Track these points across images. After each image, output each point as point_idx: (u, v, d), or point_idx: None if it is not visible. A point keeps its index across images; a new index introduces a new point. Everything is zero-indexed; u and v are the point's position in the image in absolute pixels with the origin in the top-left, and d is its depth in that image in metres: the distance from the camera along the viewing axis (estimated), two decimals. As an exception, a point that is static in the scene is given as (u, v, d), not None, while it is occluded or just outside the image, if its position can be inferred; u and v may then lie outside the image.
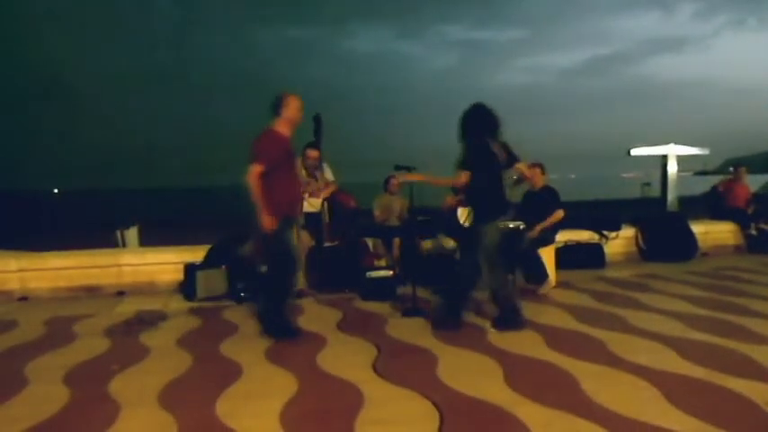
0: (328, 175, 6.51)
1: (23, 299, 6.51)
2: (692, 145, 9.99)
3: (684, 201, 10.74)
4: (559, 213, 6.64)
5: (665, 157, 9.81)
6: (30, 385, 3.78)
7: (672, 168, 9.81)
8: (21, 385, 3.76)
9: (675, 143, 9.89)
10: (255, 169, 4.48)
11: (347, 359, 4.18)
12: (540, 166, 6.82)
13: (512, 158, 4.88)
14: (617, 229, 8.28)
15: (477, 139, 4.68)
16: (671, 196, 9.75)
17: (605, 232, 8.14)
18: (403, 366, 4.02)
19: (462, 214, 7.08)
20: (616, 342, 4.43)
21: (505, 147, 4.81)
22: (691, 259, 8.20)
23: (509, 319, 4.86)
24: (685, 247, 8.37)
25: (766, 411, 3.13)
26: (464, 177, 4.70)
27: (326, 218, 6.42)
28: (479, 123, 4.69)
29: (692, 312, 5.32)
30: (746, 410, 3.17)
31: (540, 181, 6.75)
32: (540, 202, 6.69)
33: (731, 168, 10.26)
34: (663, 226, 8.63)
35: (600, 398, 3.34)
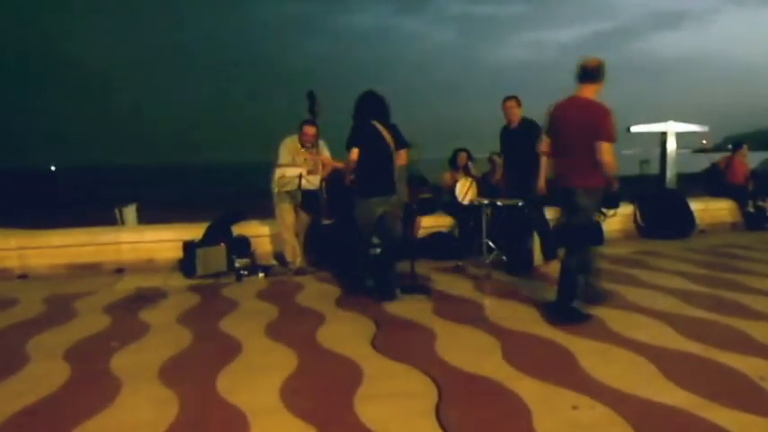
0: (325, 151, 6.49)
1: (23, 277, 6.52)
2: (691, 122, 9.94)
3: (683, 178, 10.74)
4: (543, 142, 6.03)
5: (664, 135, 9.76)
6: (31, 362, 3.81)
7: (671, 146, 9.78)
8: (22, 362, 3.79)
9: (675, 120, 9.84)
10: (610, 148, 4.22)
11: (346, 335, 4.21)
12: (515, 98, 6.35)
13: (401, 141, 5.13)
14: (615, 206, 8.24)
15: (362, 121, 5.04)
16: (670, 173, 9.72)
17: (603, 209, 8.13)
18: (402, 342, 4.05)
19: (460, 191, 7.10)
20: (614, 318, 4.46)
21: (395, 129, 5.11)
22: (689, 236, 8.22)
23: (380, 289, 5.15)
24: (683, 225, 8.38)
25: (760, 386, 3.17)
26: (354, 155, 4.98)
27: (324, 195, 6.41)
28: (367, 108, 5.08)
29: (690, 289, 5.36)
30: (741, 385, 3.21)
31: (516, 115, 6.31)
32: (521, 139, 6.20)
33: (729, 146, 10.23)
34: (661, 203, 8.63)
35: (597, 373, 3.37)
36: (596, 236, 4.64)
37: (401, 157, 5.19)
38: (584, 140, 4.29)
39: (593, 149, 4.25)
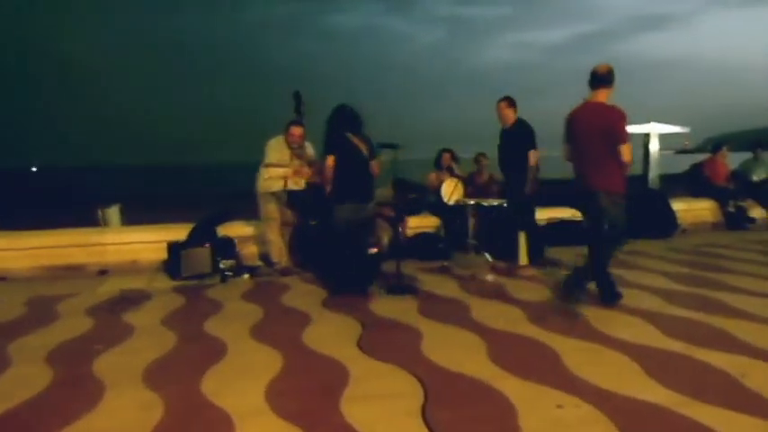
0: (310, 152, 6.47)
1: (2, 279, 6.42)
2: (673, 123, 10.06)
3: (666, 178, 10.86)
4: (535, 153, 6.17)
5: (646, 136, 9.87)
6: (12, 366, 3.75)
7: (653, 147, 9.89)
8: (3, 365, 3.73)
9: (657, 122, 9.95)
10: (630, 148, 4.51)
11: (332, 336, 4.21)
12: (505, 99, 6.36)
13: (373, 151, 5.45)
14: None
15: (336, 132, 5.33)
16: (652, 174, 9.84)
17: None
18: (388, 343, 4.06)
19: (446, 191, 7.12)
20: (598, 317, 4.50)
21: (368, 141, 5.44)
22: (671, 236, 8.32)
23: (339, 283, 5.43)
24: (666, 224, 8.48)
25: (742, 383, 3.21)
26: (330, 161, 5.26)
27: (309, 197, 6.40)
28: (340, 120, 5.36)
29: (673, 288, 5.42)
30: (723, 382, 3.25)
31: (509, 117, 6.35)
32: (512, 140, 6.32)
33: (710, 147, 10.37)
34: (644, 203, 8.73)
35: (582, 372, 3.40)
36: (623, 235, 4.84)
37: (375, 167, 5.46)
38: (602, 144, 4.53)
39: (612, 152, 4.50)
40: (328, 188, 5.42)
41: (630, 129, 9.55)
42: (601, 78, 4.63)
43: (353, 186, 5.33)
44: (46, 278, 6.44)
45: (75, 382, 3.48)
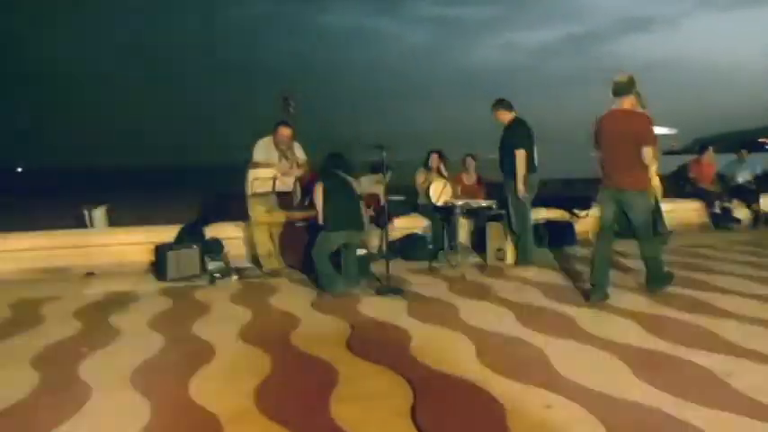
0: (299, 153, 6.46)
1: (-11, 281, 6.35)
2: (660, 125, 10.13)
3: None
4: (520, 153, 6.25)
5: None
6: (-3, 368, 3.71)
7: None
8: (-13, 369, 3.69)
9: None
10: (655, 151, 5.00)
11: (321, 337, 4.20)
12: (497, 102, 6.49)
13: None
14: (587, 207, 8.40)
15: (329, 170, 5.69)
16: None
17: (576, 210, 8.26)
18: (376, 343, 4.06)
19: (435, 192, 7.14)
20: (585, 318, 4.53)
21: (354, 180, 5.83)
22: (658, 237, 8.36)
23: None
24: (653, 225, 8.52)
25: (727, 382, 3.24)
26: (320, 188, 5.54)
27: (297, 197, 6.39)
28: (333, 162, 5.71)
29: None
30: (709, 382, 3.28)
31: (503, 117, 6.45)
32: (505, 140, 6.45)
33: (697, 148, 10.46)
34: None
35: (570, 372, 3.42)
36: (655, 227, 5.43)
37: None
38: (633, 147, 4.88)
39: (638, 154, 4.86)
40: (319, 216, 5.56)
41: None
42: (624, 87, 4.96)
43: (346, 214, 5.55)
44: (31, 280, 6.38)
45: (60, 385, 3.45)
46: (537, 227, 7.66)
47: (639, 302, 4.97)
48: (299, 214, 6.19)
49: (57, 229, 7.24)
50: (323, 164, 5.83)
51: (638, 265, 6.51)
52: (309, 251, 5.68)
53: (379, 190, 7.13)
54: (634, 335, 4.11)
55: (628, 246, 7.38)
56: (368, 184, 7.00)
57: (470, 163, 7.97)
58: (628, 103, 4.98)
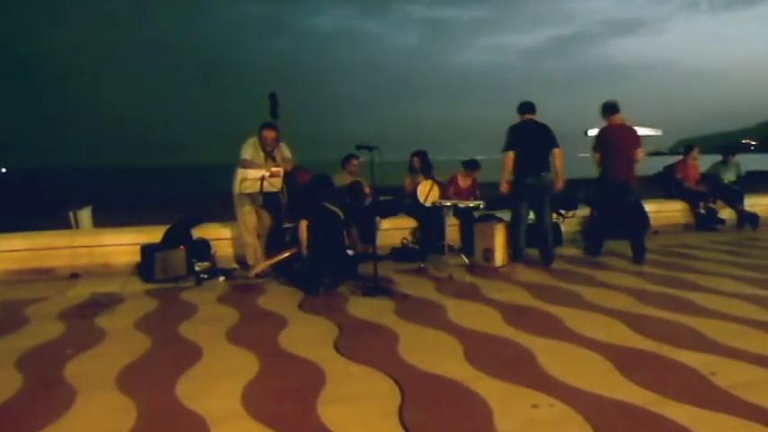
0: (285, 152, 6.44)
1: (-29, 282, 6.27)
2: (646, 126, 10.21)
3: (638, 180, 10.98)
4: (505, 155, 6.52)
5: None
6: (-20, 371, 3.67)
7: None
8: (-30, 371, 3.65)
9: (632, 124, 10.07)
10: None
11: (309, 338, 4.19)
12: (521, 105, 6.77)
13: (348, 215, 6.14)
14: (574, 208, 8.45)
15: (313, 200, 5.93)
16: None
17: (562, 211, 8.30)
18: (364, 344, 4.05)
19: (422, 192, 7.15)
20: (571, 317, 4.56)
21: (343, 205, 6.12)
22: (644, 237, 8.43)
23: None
24: (639, 226, 8.57)
25: (712, 381, 3.28)
26: (304, 225, 5.74)
27: (285, 198, 6.38)
28: (318, 189, 6.01)
29: (644, 288, 5.52)
30: (694, 381, 3.31)
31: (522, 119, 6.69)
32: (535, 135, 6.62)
33: (682, 150, 10.55)
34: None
35: (555, 372, 3.44)
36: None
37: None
38: (631, 150, 6.78)
39: (635, 155, 6.78)
40: (304, 251, 5.71)
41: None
42: (616, 107, 6.91)
43: (329, 252, 5.74)
44: (16, 282, 6.31)
45: (45, 387, 3.41)
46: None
47: (625, 302, 5.01)
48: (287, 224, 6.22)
49: (41, 231, 7.16)
50: (309, 191, 6.01)
51: (623, 265, 6.59)
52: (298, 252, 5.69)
53: (348, 181, 7.16)
54: (620, 334, 4.14)
55: (613, 245, 7.48)
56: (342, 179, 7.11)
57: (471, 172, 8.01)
58: (619, 118, 6.88)
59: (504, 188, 6.60)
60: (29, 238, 6.87)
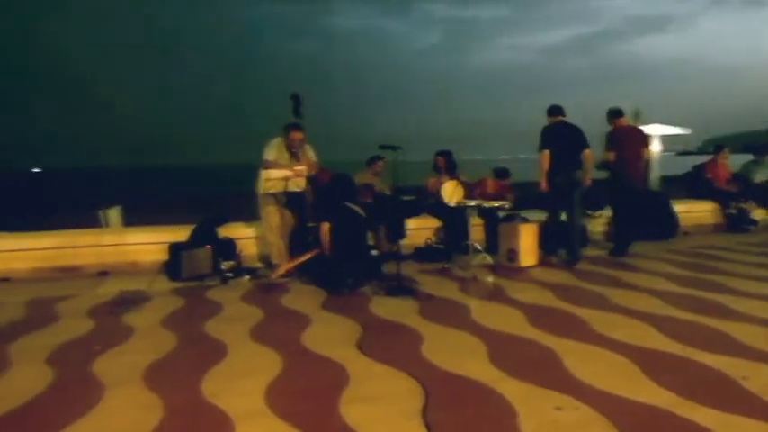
0: (310, 154, 6.47)
1: (5, 280, 6.43)
2: (675, 124, 10.05)
3: (667, 180, 10.84)
4: (540, 156, 6.72)
5: (648, 137, 9.85)
6: (13, 366, 3.76)
7: (655, 148, 9.87)
8: (3, 366, 3.74)
9: (658, 123, 9.93)
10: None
11: (332, 338, 4.21)
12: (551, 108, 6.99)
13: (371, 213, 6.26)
14: (600, 208, 8.35)
15: (334, 201, 5.98)
16: (653, 175, 9.83)
17: (588, 211, 8.21)
18: (387, 344, 4.06)
19: (446, 193, 7.13)
20: (597, 319, 4.50)
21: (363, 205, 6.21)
22: (672, 238, 8.31)
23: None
24: (667, 226, 8.46)
25: (742, 385, 3.21)
26: (326, 227, 5.78)
27: (309, 198, 6.40)
28: (339, 190, 6.06)
29: (672, 290, 5.42)
30: (723, 385, 3.25)
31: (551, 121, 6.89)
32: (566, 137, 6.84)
33: (712, 149, 10.36)
34: (645, 205, 8.71)
35: (580, 373, 3.40)
36: None
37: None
38: (644, 148, 7.50)
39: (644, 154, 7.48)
40: (327, 252, 5.76)
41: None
42: (620, 112, 7.33)
43: (351, 253, 5.78)
44: (48, 279, 6.45)
45: (74, 383, 3.48)
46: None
47: (652, 304, 4.93)
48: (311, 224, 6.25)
49: (71, 229, 7.31)
50: (330, 192, 6.02)
51: (649, 266, 6.48)
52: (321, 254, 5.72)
53: (373, 181, 7.17)
54: (646, 336, 4.08)
55: (640, 247, 7.37)
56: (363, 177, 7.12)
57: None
58: (625, 121, 7.39)
59: (543, 186, 6.77)
60: (61, 236, 7.02)
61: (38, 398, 3.26)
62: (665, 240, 8.14)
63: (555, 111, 6.93)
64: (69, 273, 6.64)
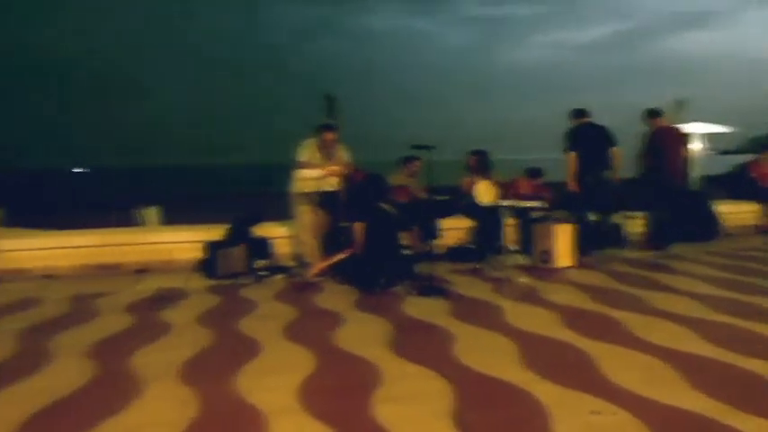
0: (343, 154, 6.49)
1: (48, 276, 6.63)
2: (716, 123, 9.77)
3: (708, 180, 10.54)
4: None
5: (688, 136, 9.60)
6: (55, 360, 3.87)
7: (696, 147, 9.62)
8: (47, 360, 3.86)
9: (700, 121, 9.67)
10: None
11: (364, 337, 4.22)
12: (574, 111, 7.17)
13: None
14: (638, 208, 8.17)
15: (368, 202, 5.97)
16: (694, 175, 9.56)
17: (626, 212, 8.04)
18: (419, 344, 4.05)
19: (479, 193, 7.07)
20: (634, 322, 4.40)
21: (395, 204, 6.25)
22: (712, 239, 8.07)
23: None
24: (708, 228, 8.23)
25: (786, 393, 3.10)
26: (359, 227, 5.84)
27: (343, 197, 6.42)
28: (373, 190, 6.09)
29: (713, 293, 5.26)
30: (763, 391, 3.15)
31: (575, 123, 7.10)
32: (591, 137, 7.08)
33: (755, 148, 10.04)
34: (685, 206, 8.49)
35: (618, 378, 3.33)
36: None
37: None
38: (681, 149, 7.51)
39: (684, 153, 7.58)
40: (359, 251, 5.80)
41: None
42: (658, 112, 7.38)
43: (385, 252, 5.79)
44: (88, 276, 6.63)
45: (114, 377, 3.57)
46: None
47: (691, 307, 4.80)
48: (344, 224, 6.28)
49: (110, 228, 7.50)
50: (362, 192, 6.05)
51: (689, 269, 6.32)
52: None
53: (409, 181, 7.14)
54: (686, 340, 3.97)
55: (680, 248, 7.19)
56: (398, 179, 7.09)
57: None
58: (663, 121, 7.39)
59: (571, 186, 6.92)
60: (100, 234, 7.20)
61: (79, 391, 3.35)
62: (705, 242, 7.91)
63: (579, 113, 7.06)
64: (109, 270, 6.81)
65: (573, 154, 6.84)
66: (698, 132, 9.62)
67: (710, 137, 9.88)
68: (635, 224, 8.13)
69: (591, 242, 7.12)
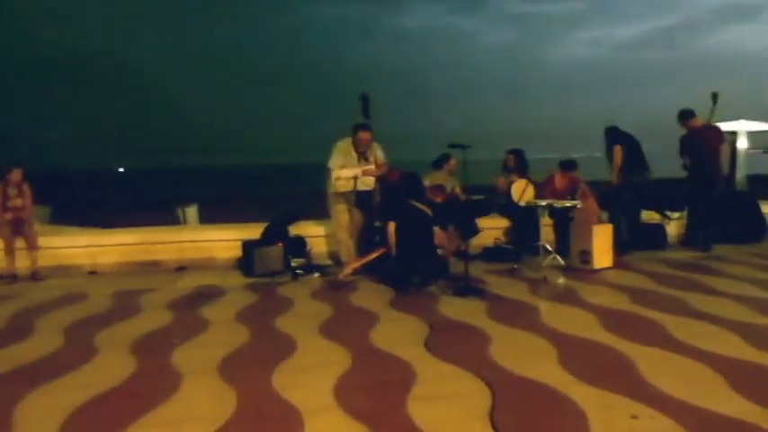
0: (379, 153, 6.50)
1: (92, 273, 6.84)
2: (764, 120, 9.44)
3: (755, 179, 10.19)
4: (617, 151, 7.00)
5: (734, 134, 9.31)
6: (99, 354, 4.00)
7: (741, 145, 9.31)
8: (92, 354, 3.99)
9: (746, 118, 9.36)
10: None
11: (399, 336, 4.23)
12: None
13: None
14: (680, 209, 7.96)
15: (400, 200, 5.95)
16: (739, 175, 9.26)
17: (667, 212, 7.85)
18: (455, 345, 4.03)
19: (516, 192, 7.00)
20: (676, 325, 4.30)
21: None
22: (759, 241, 7.81)
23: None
24: (754, 228, 7.97)
25: (838, 400, 2.98)
26: (392, 227, 5.78)
27: (378, 197, 6.44)
28: (407, 188, 6.05)
29: (759, 296, 5.10)
30: (816, 399, 3.03)
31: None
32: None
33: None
34: (730, 206, 8.23)
35: (657, 381, 3.26)
36: None
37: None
38: (719, 146, 7.30)
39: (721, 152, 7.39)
40: (393, 251, 5.77)
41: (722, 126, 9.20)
42: (692, 113, 7.25)
43: (417, 251, 5.74)
44: (131, 273, 6.81)
45: (155, 371, 3.66)
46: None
47: (737, 311, 4.65)
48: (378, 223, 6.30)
49: (152, 226, 7.69)
50: (396, 191, 6.04)
51: (734, 271, 6.13)
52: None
53: (447, 180, 7.10)
54: (731, 345, 3.85)
55: (724, 250, 6.98)
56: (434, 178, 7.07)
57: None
58: (699, 121, 7.23)
59: (614, 179, 7.04)
60: (143, 233, 7.40)
61: (122, 384, 3.45)
62: (752, 243, 7.66)
63: (614, 133, 7.27)
64: (150, 267, 6.99)
65: (619, 147, 7.00)
66: (743, 130, 9.30)
67: (757, 135, 9.54)
68: (675, 225, 7.94)
69: (631, 243, 6.98)
